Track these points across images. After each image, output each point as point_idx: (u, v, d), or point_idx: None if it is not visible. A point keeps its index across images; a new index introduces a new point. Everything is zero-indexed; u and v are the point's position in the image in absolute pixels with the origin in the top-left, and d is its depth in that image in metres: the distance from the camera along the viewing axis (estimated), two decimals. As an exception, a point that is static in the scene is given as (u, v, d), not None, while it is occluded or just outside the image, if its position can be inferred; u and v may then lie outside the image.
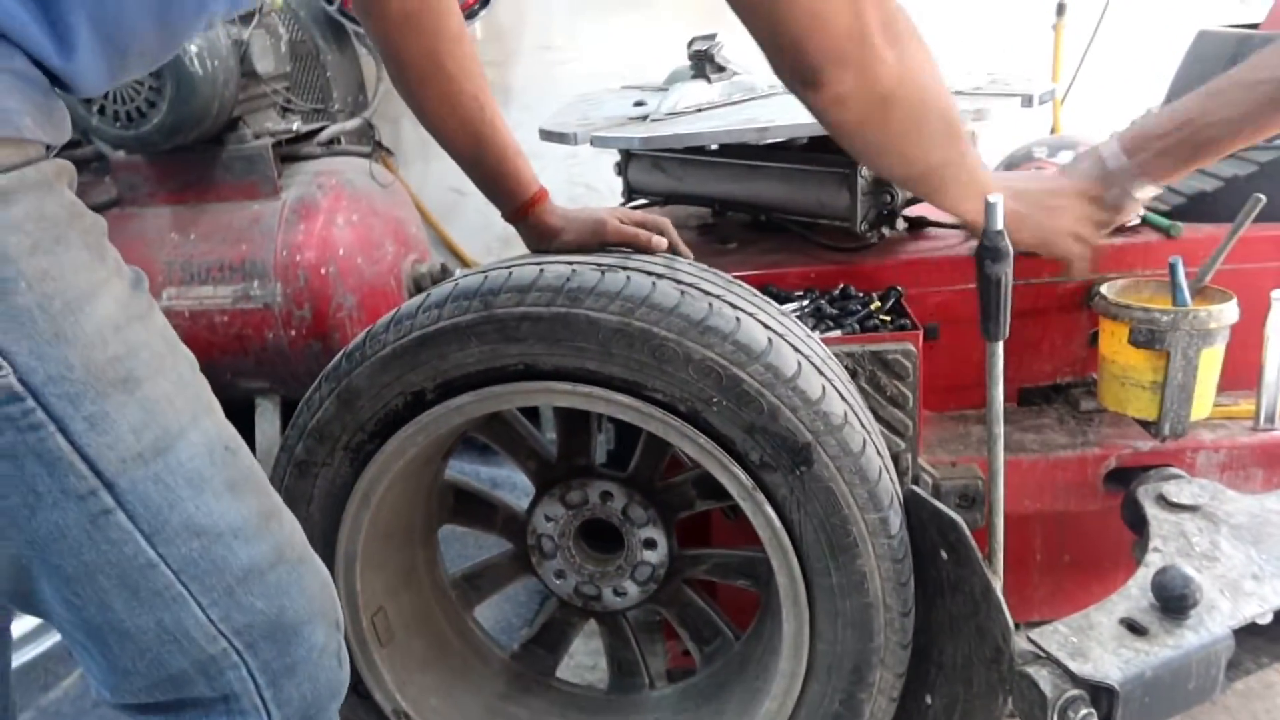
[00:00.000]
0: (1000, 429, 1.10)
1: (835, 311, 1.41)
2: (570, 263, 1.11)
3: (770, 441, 1.05)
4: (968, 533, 1.06)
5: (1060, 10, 2.82)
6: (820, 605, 1.10)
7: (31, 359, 0.72)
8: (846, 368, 1.30)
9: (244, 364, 2.32)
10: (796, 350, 1.07)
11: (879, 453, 1.09)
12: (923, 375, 1.31)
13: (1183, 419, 1.32)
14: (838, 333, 1.35)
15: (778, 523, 1.08)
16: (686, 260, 1.24)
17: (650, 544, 1.31)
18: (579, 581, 1.36)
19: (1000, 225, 1.02)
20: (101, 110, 2.19)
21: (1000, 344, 1.07)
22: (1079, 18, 2.80)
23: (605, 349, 1.06)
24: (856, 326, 1.36)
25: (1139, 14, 2.77)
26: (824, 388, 1.05)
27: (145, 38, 0.83)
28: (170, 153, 2.30)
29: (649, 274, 1.09)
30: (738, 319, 1.05)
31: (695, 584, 1.40)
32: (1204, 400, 1.34)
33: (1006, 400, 1.57)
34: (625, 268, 1.10)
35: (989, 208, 1.02)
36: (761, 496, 1.07)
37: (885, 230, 1.53)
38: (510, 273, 1.09)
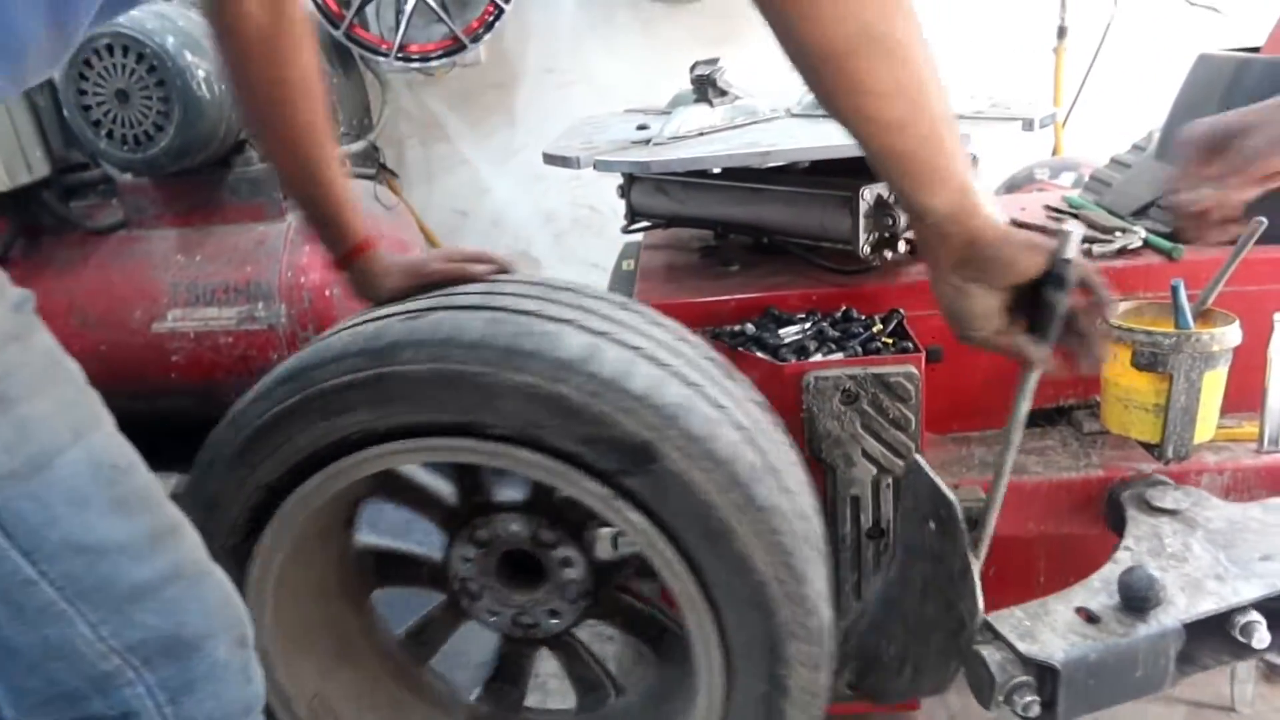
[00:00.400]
0: (1018, 436, 1.06)
1: (837, 334, 1.41)
2: (378, 317, 1.10)
3: (612, 447, 1.03)
4: (959, 514, 1.06)
5: (1061, 34, 2.84)
6: (715, 592, 1.08)
7: None
8: (847, 389, 1.31)
9: (248, 385, 2.32)
10: (627, 345, 1.05)
11: (739, 425, 1.06)
12: (925, 398, 1.31)
13: (1186, 442, 1.32)
14: (840, 355, 1.36)
15: (644, 523, 1.05)
16: (513, 277, 1.23)
17: (567, 562, 1.29)
18: (513, 614, 1.34)
19: (1070, 254, 0.97)
20: (109, 134, 2.21)
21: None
22: (1080, 42, 2.81)
23: (430, 398, 1.04)
24: (859, 349, 1.37)
25: (1139, 38, 2.79)
26: (657, 378, 1.03)
27: (39, 39, 0.83)
28: (177, 175, 2.32)
29: (462, 308, 1.08)
30: (554, 333, 1.03)
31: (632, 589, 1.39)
32: (1207, 423, 1.34)
33: (1009, 422, 1.58)
34: (435, 309, 1.08)
35: (1065, 235, 0.97)
36: (621, 503, 1.05)
37: (887, 253, 1.53)
38: (322, 344, 1.09)
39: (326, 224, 1.23)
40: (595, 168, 1.51)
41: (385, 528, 1.45)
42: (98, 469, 0.82)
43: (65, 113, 2.24)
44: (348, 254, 1.24)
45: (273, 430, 1.09)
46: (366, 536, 1.44)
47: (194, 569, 0.88)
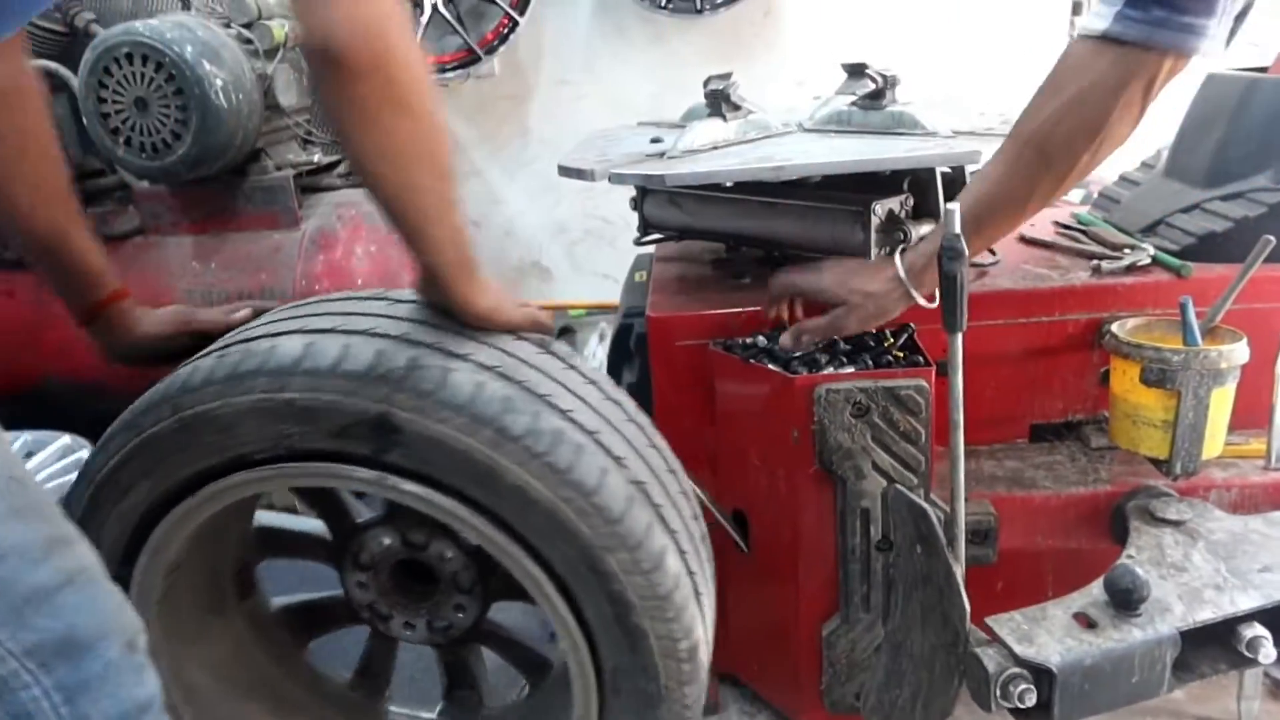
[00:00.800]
0: (961, 416, 1.13)
1: (849, 347, 1.43)
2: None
3: (359, 432, 1.03)
4: (935, 521, 1.10)
5: (1071, 51, 2.85)
6: (519, 530, 1.06)
7: None
8: (858, 402, 1.32)
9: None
10: (351, 332, 1.07)
11: (483, 366, 1.06)
12: (935, 411, 1.32)
13: (1194, 458, 1.33)
14: (851, 368, 1.37)
15: (424, 491, 1.06)
16: (272, 308, 1.25)
17: (444, 557, 1.29)
18: (426, 622, 1.34)
19: (958, 229, 1.10)
20: (128, 141, 2.23)
21: (959, 335, 1.12)
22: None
23: (184, 451, 1.06)
24: (870, 362, 1.38)
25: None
26: (376, 352, 1.04)
27: None
28: (194, 183, 2.34)
29: (201, 356, 1.11)
30: (271, 345, 1.05)
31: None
32: (1215, 439, 1.35)
33: (1019, 436, 1.59)
34: (182, 365, 1.11)
35: (948, 214, 1.11)
36: (393, 479, 1.06)
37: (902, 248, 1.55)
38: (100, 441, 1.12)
39: (69, 276, 1.22)
40: (610, 180, 1.52)
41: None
42: None
43: (84, 120, 2.27)
44: (99, 303, 1.23)
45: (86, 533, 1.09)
46: (278, 597, 1.45)
47: (85, 576, 0.91)
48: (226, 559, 1.36)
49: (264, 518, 1.40)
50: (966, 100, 1.91)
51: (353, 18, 0.91)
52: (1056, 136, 1.23)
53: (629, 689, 1.12)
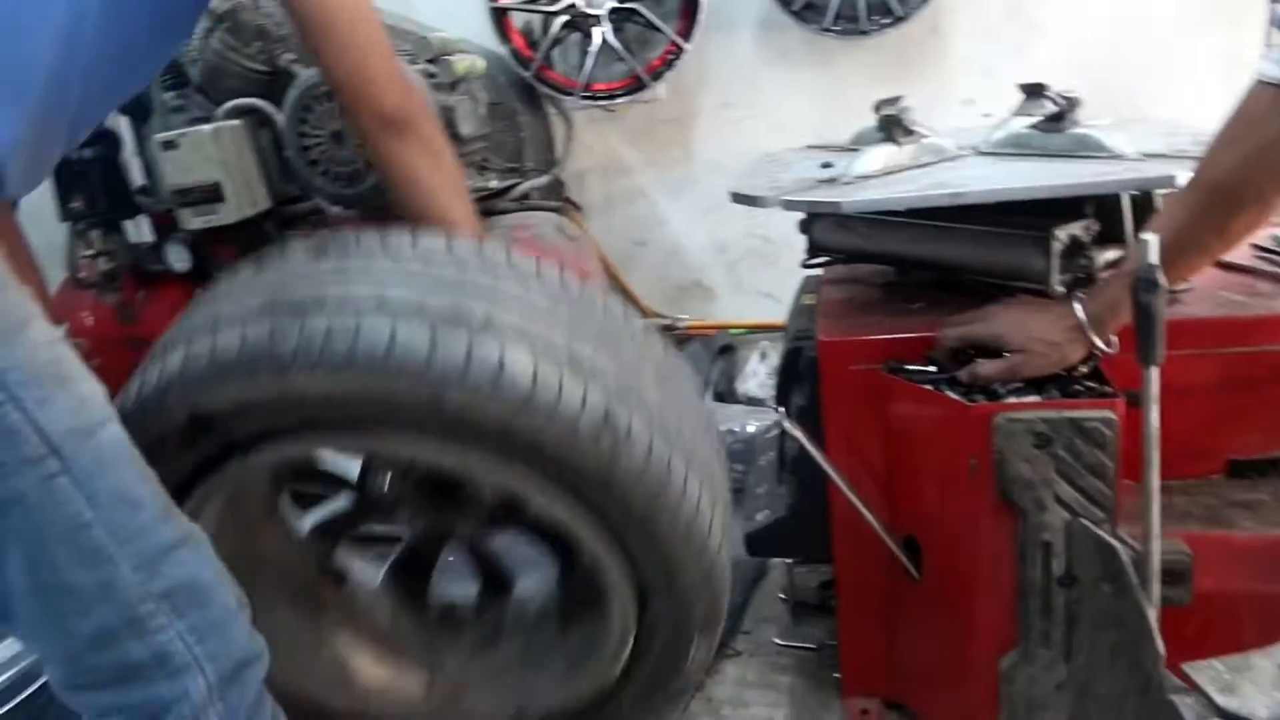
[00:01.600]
0: (1156, 454, 1.10)
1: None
2: None
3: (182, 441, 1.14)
4: (1126, 560, 1.07)
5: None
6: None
7: None
8: (1041, 433, 1.29)
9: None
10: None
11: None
12: (1124, 444, 1.27)
13: None
14: (1036, 397, 1.34)
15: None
16: None
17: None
18: (475, 523, 1.46)
19: (1154, 259, 1.08)
20: (325, 171, 2.41)
21: (1155, 369, 1.10)
22: None
23: None
24: (1057, 392, 1.34)
25: None
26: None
27: (57, 151, 1.23)
28: (381, 208, 2.49)
29: None
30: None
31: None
32: None
33: (1213, 471, 1.51)
34: None
35: (1142, 244, 1.09)
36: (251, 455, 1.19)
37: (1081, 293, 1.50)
38: None
39: None
40: (784, 207, 1.54)
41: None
42: (126, 444, 1.04)
43: (287, 152, 2.46)
44: None
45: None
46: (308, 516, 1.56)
47: (196, 538, 1.07)
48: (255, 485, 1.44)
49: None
50: (1156, 121, 1.83)
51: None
52: (1245, 184, 1.21)
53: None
